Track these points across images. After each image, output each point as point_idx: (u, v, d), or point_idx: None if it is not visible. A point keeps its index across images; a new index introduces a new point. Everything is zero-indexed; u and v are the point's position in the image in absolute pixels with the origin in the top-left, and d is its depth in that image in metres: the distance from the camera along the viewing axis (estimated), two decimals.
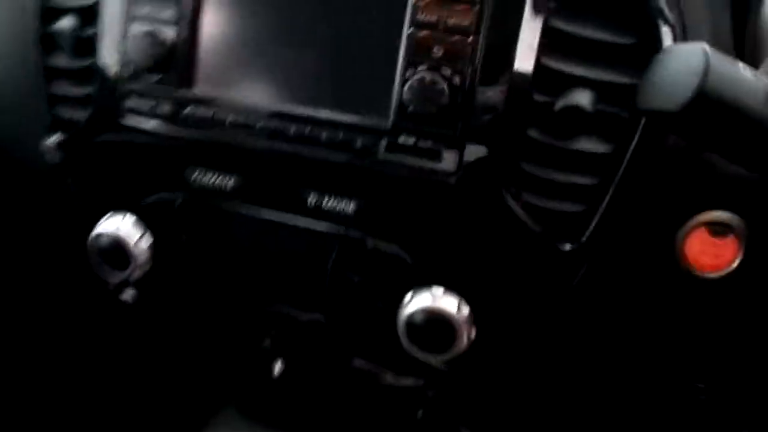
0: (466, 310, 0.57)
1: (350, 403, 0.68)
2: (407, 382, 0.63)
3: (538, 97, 0.53)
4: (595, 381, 0.66)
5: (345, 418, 0.70)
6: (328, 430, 0.70)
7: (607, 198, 0.54)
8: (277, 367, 0.88)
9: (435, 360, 0.58)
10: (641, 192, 0.54)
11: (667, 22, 0.52)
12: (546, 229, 0.55)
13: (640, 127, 0.52)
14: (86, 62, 0.63)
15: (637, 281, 0.58)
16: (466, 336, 0.57)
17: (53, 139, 0.67)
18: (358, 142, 0.55)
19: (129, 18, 0.60)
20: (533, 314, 0.58)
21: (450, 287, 0.57)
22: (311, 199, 0.58)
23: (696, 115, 0.44)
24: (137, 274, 0.65)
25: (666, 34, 0.52)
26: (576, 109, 0.52)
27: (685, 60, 0.46)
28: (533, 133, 0.54)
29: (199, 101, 0.59)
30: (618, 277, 0.58)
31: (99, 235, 0.64)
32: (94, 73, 0.63)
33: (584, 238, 0.55)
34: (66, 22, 0.64)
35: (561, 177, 0.54)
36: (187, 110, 0.59)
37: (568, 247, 0.55)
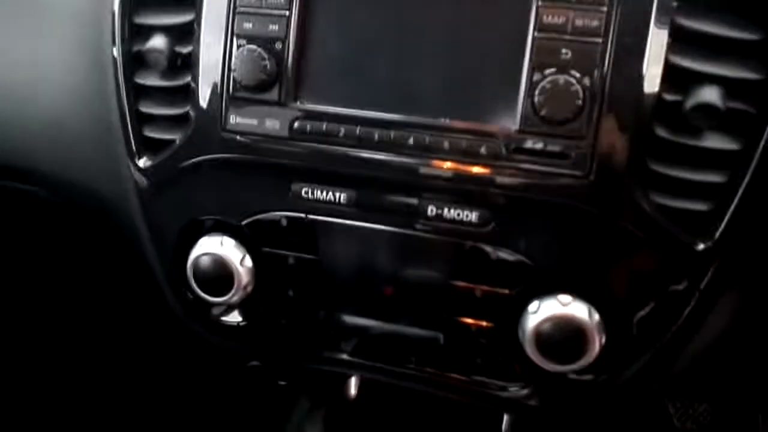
0: (596, 316, 0.55)
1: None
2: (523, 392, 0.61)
3: (667, 96, 0.52)
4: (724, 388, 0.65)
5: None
6: None
7: (738, 195, 0.53)
8: (353, 386, 0.86)
9: (563, 369, 0.57)
10: None
11: None
12: (677, 228, 0.54)
13: None
14: (182, 81, 0.62)
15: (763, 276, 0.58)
16: (598, 343, 0.55)
17: (144, 162, 0.65)
18: (483, 149, 0.54)
19: (233, 33, 0.58)
20: (662, 317, 0.57)
21: (577, 294, 0.56)
22: (431, 210, 0.57)
23: None
24: (240, 296, 0.63)
25: None
26: (707, 107, 0.51)
27: None
28: (661, 131, 0.53)
29: (309, 115, 0.58)
30: (745, 273, 0.57)
31: (200, 257, 0.62)
32: (190, 91, 0.61)
33: (717, 236, 0.54)
34: (159, 41, 0.62)
35: (690, 175, 0.53)
36: (297, 125, 0.58)
37: (701, 246, 0.54)
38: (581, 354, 0.56)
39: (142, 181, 0.65)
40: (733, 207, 0.53)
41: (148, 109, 0.64)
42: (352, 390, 0.85)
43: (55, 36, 0.71)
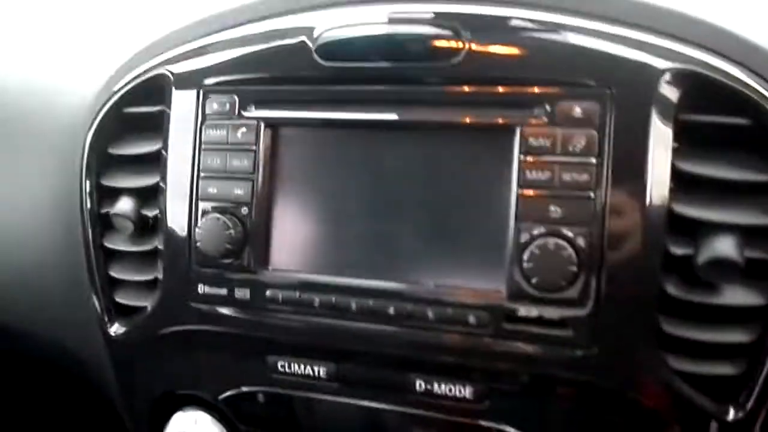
0: None
1: None
2: None
3: (676, 250, 0.46)
4: None
5: None
6: None
7: None
8: None
9: None
10: None
11: None
12: (702, 397, 0.47)
13: None
14: (150, 245, 0.58)
15: None
16: None
17: (116, 328, 0.61)
18: (471, 318, 0.48)
19: (197, 198, 0.55)
20: None
21: None
22: (420, 385, 0.51)
23: None
24: None
25: None
26: (723, 261, 0.45)
27: None
28: (673, 290, 0.46)
29: (281, 283, 0.53)
30: None
31: None
32: (159, 256, 0.57)
33: (750, 403, 0.47)
34: (126, 204, 0.59)
35: (712, 336, 0.46)
36: (269, 294, 0.53)
37: (732, 415, 0.47)
38: None
39: (114, 348, 0.61)
40: (766, 368, 0.46)
41: (118, 273, 0.61)
42: None
43: (31, 190, 0.69)
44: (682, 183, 0.46)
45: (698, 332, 0.47)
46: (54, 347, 0.69)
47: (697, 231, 0.46)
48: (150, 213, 0.58)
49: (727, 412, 0.47)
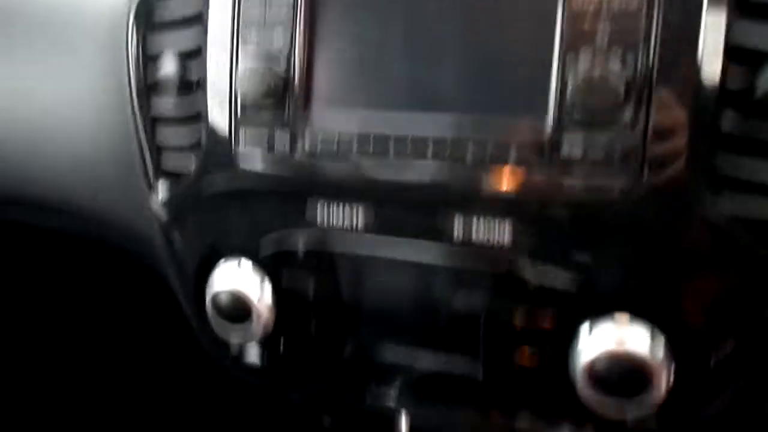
0: (661, 343, 0.47)
1: None
2: None
3: (733, 83, 0.44)
4: None
5: None
6: None
7: None
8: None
9: (624, 409, 0.48)
10: None
11: None
12: (754, 239, 0.45)
13: None
14: (194, 109, 0.59)
15: None
16: (664, 377, 0.47)
17: (163, 193, 0.62)
18: (512, 156, 0.47)
19: (237, 50, 0.55)
20: (745, 344, 0.47)
21: (636, 315, 0.48)
22: (458, 231, 0.50)
23: None
24: (260, 328, 0.58)
25: None
26: None
27: None
28: (728, 126, 0.44)
29: (320, 130, 0.53)
30: None
31: (217, 293, 0.58)
32: (202, 118, 0.58)
33: None
34: (170, 67, 0.59)
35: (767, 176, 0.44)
36: (307, 140, 0.53)
37: None
38: (644, 389, 0.47)
39: (162, 213, 0.63)
40: None
41: (165, 140, 0.62)
42: None
43: (79, 68, 0.70)
44: (741, 8, 0.43)
45: (754, 171, 0.44)
46: (107, 225, 0.71)
47: (758, 63, 0.43)
48: (194, 76, 0.59)
49: None
